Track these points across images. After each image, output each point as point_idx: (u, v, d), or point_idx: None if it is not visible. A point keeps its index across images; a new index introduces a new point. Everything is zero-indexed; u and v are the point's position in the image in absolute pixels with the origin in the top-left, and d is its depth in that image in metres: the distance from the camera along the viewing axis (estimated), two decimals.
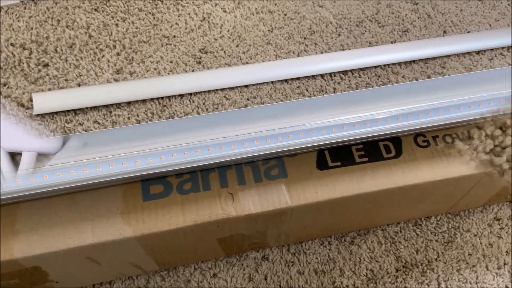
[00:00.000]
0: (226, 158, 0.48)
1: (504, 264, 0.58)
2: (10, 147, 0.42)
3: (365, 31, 0.71)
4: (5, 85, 0.64)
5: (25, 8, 0.69)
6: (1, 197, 0.44)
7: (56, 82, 0.65)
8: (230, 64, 0.71)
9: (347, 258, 0.58)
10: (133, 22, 0.69)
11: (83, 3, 0.71)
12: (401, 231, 0.60)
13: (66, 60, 0.67)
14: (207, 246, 0.52)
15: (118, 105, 0.64)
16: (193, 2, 0.74)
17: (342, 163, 0.50)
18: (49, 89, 0.65)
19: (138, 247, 0.47)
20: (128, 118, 0.63)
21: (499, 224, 0.61)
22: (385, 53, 0.72)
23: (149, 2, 0.73)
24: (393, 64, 0.72)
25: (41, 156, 0.46)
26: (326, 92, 0.69)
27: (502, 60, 0.69)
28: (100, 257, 0.48)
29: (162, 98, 0.66)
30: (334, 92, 0.69)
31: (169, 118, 0.64)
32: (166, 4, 0.73)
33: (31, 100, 0.63)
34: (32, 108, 0.62)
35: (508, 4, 0.76)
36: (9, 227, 0.44)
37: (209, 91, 0.68)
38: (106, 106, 0.64)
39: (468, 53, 0.74)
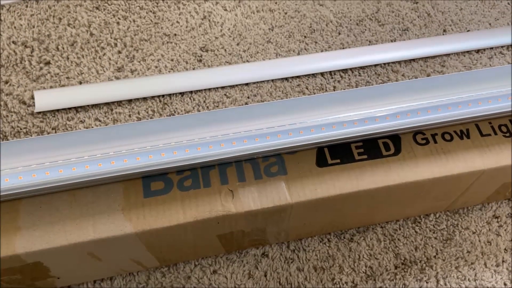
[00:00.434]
0: (226, 155, 0.48)
1: (503, 261, 0.58)
2: None
3: (365, 29, 0.72)
4: (7, 82, 0.64)
5: (26, 6, 0.69)
6: (4, 193, 0.44)
7: (58, 80, 0.65)
8: (231, 62, 0.71)
9: (346, 255, 0.58)
10: (134, 21, 0.70)
11: (85, 1, 0.72)
12: (400, 229, 0.60)
13: (68, 58, 0.67)
14: (207, 242, 0.53)
15: (119, 103, 0.65)
16: (194, 1, 0.74)
17: (342, 161, 0.50)
18: (51, 87, 0.65)
19: (139, 243, 0.48)
20: (129, 115, 0.64)
21: (497, 222, 0.61)
22: (385, 52, 0.72)
23: (150, 1, 0.73)
24: (393, 62, 0.73)
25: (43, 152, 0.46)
26: (326, 90, 0.69)
27: (501, 58, 0.69)
28: (101, 253, 0.48)
29: (163, 96, 0.66)
30: (334, 90, 0.70)
31: (170, 116, 0.64)
32: (167, 2, 0.73)
33: (32, 97, 0.64)
34: (34, 105, 0.62)
35: (508, 3, 0.76)
36: (11, 223, 0.45)
37: (209, 89, 0.68)
38: (107, 103, 0.64)
39: (467, 51, 0.74)
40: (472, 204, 0.62)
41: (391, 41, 0.74)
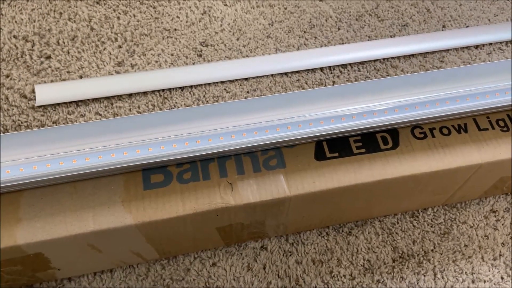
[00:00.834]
0: (225, 148, 0.49)
1: (500, 255, 0.59)
2: None
3: (365, 25, 0.72)
4: (8, 76, 0.65)
5: (27, 0, 0.69)
6: (5, 185, 0.44)
7: (58, 74, 0.66)
8: (231, 57, 0.71)
9: (344, 248, 0.58)
10: (134, 15, 0.70)
11: None
12: (398, 223, 0.60)
13: (68, 53, 0.67)
14: (206, 235, 0.53)
15: (120, 97, 0.65)
16: None
17: (340, 154, 0.51)
18: (52, 81, 0.65)
19: (139, 235, 0.48)
20: (130, 110, 0.64)
21: (495, 216, 0.61)
22: (384, 47, 0.72)
23: None
24: (392, 58, 0.73)
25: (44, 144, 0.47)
26: (325, 86, 0.70)
27: (500, 54, 0.70)
28: (101, 245, 0.49)
29: (163, 90, 0.67)
30: (333, 85, 0.70)
31: (170, 109, 0.65)
32: None
33: (33, 91, 0.64)
34: (35, 99, 0.63)
35: None
36: (12, 214, 0.45)
37: (209, 84, 0.68)
38: (107, 98, 0.65)
39: (466, 47, 0.75)
40: (469, 199, 0.63)
41: (391, 36, 0.74)
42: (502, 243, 0.60)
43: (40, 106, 0.63)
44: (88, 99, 0.64)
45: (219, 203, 0.47)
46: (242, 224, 0.53)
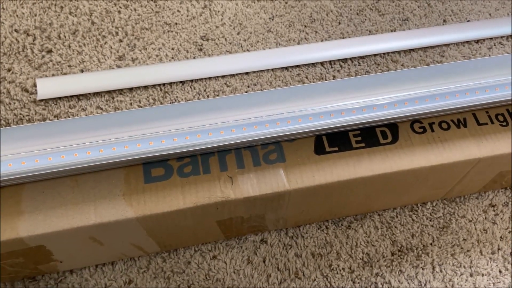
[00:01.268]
0: (225, 142, 0.49)
1: (498, 249, 0.59)
2: None
3: (365, 19, 0.72)
4: (9, 70, 0.65)
5: None
6: (7, 178, 0.45)
7: (60, 68, 0.66)
8: (231, 51, 0.71)
9: (344, 242, 0.59)
10: (135, 9, 0.70)
11: None
12: (397, 216, 0.61)
13: (69, 47, 0.68)
14: (207, 228, 0.54)
15: (121, 91, 0.65)
16: None
17: (339, 148, 0.51)
18: (53, 75, 0.66)
19: (140, 228, 0.49)
20: (130, 104, 0.64)
21: (494, 210, 0.62)
22: (384, 42, 0.72)
23: None
24: (393, 52, 0.73)
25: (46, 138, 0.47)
26: (325, 80, 0.70)
27: (501, 49, 0.70)
28: (103, 237, 0.49)
29: (163, 84, 0.67)
30: (334, 79, 0.70)
31: (168, 104, 0.65)
32: None
33: (35, 85, 0.64)
34: (36, 93, 0.63)
35: None
36: (14, 207, 0.46)
37: (210, 78, 0.69)
38: (108, 92, 0.65)
39: (467, 42, 0.74)
40: (468, 193, 0.63)
41: (391, 31, 0.74)
42: (501, 237, 0.60)
43: (41, 100, 0.63)
44: (89, 93, 0.64)
45: (219, 196, 0.48)
46: (242, 218, 0.53)
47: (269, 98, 0.51)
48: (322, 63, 0.71)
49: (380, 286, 0.56)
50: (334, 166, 0.50)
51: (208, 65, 0.69)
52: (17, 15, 0.68)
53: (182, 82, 0.67)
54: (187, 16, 0.72)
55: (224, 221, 0.53)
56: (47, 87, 0.63)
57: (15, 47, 0.66)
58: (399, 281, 0.57)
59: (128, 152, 0.47)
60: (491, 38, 0.72)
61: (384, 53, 0.72)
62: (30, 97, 0.63)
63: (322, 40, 0.73)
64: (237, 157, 0.50)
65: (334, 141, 0.52)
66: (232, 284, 0.56)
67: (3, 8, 0.70)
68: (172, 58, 0.70)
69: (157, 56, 0.69)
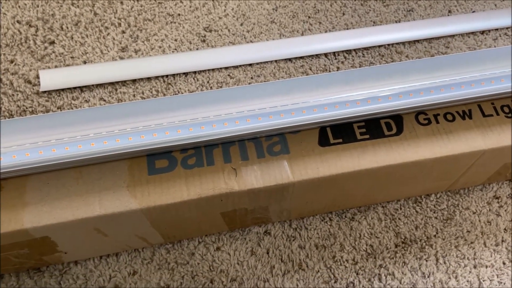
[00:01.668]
0: (229, 134, 0.49)
1: (502, 241, 0.59)
2: None
3: (370, 10, 0.71)
4: (12, 62, 0.65)
5: None
6: (11, 170, 0.45)
7: (62, 59, 0.66)
8: (234, 43, 0.71)
9: (347, 233, 0.59)
10: (137, 0, 0.70)
11: None
12: (401, 208, 0.61)
13: (72, 38, 0.67)
14: (211, 220, 0.54)
15: (124, 83, 0.65)
16: None
17: (344, 140, 0.51)
18: (55, 67, 0.65)
19: (144, 220, 0.49)
20: (133, 95, 0.64)
21: (498, 202, 0.61)
22: (389, 33, 0.72)
23: None
24: (397, 43, 0.72)
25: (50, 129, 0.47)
26: (329, 71, 0.69)
27: (506, 40, 0.69)
28: (107, 229, 0.49)
29: (166, 76, 0.67)
30: (338, 71, 0.70)
31: (171, 95, 0.65)
32: None
33: (38, 77, 0.64)
34: (39, 85, 0.63)
35: None
36: (19, 198, 0.46)
37: (213, 70, 0.68)
38: (111, 83, 0.65)
39: (472, 33, 0.74)
40: (473, 185, 0.63)
41: (396, 21, 0.74)
42: (505, 229, 0.60)
43: (44, 92, 0.63)
44: (92, 85, 0.64)
45: (223, 188, 0.48)
46: (246, 209, 0.53)
47: (273, 90, 0.51)
48: (326, 55, 0.71)
49: (384, 277, 0.56)
50: (339, 158, 0.50)
51: (211, 57, 0.69)
52: (19, 6, 0.68)
53: (185, 74, 0.67)
54: (190, 7, 0.71)
55: (228, 213, 0.53)
56: (50, 78, 0.63)
57: (17, 38, 0.66)
58: (402, 273, 0.57)
59: (132, 143, 0.47)
60: (496, 29, 0.71)
61: (388, 44, 0.72)
62: (33, 89, 0.63)
63: (326, 31, 0.73)
64: (241, 148, 0.50)
65: (338, 133, 0.51)
66: (236, 275, 0.56)
67: None
68: (175, 49, 0.69)
69: (160, 47, 0.69)
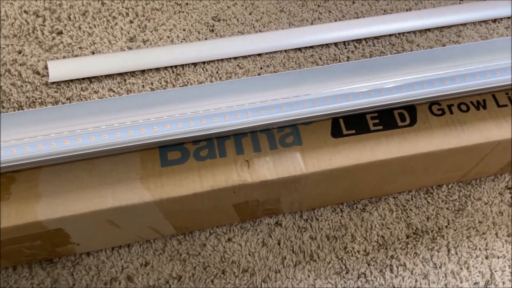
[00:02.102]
0: (242, 126, 0.48)
1: None
2: None
3: None
4: (20, 52, 0.64)
5: None
6: (24, 162, 0.45)
7: (71, 50, 0.65)
8: (243, 32, 0.70)
9: (358, 224, 0.59)
10: None
11: None
12: (412, 199, 0.60)
13: (80, 28, 0.67)
14: (222, 211, 0.54)
15: (133, 74, 0.65)
16: None
17: (357, 131, 0.50)
18: (64, 57, 0.65)
19: (157, 211, 0.49)
20: (143, 86, 0.64)
21: (510, 192, 0.61)
22: (400, 21, 0.71)
23: None
24: (408, 32, 0.71)
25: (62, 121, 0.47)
26: (339, 61, 0.69)
27: None
28: (120, 221, 0.49)
29: (175, 66, 0.66)
30: (348, 61, 0.69)
31: (186, 86, 0.64)
32: None
33: (46, 67, 0.64)
34: (48, 75, 0.63)
35: None
36: (32, 190, 0.46)
37: (222, 60, 0.68)
38: (120, 74, 0.64)
39: (484, 21, 0.73)
40: (485, 175, 0.62)
41: (407, 10, 0.73)
42: None
43: (53, 83, 0.62)
44: (101, 76, 0.64)
45: (236, 180, 0.48)
46: (258, 201, 0.53)
47: (285, 81, 0.51)
48: (336, 44, 0.70)
49: (395, 268, 0.56)
50: (351, 149, 0.50)
51: (220, 47, 0.68)
52: None
53: (194, 64, 0.66)
54: None
55: (240, 204, 0.53)
56: (59, 69, 0.63)
57: (25, 29, 0.65)
58: (414, 264, 0.57)
59: (144, 135, 0.47)
60: (508, 17, 0.70)
61: (399, 33, 0.71)
62: (41, 80, 0.63)
63: (336, 20, 0.72)
64: (253, 140, 0.50)
65: (351, 124, 0.51)
66: (248, 266, 0.56)
67: None
68: (184, 39, 0.69)
69: (168, 37, 0.68)
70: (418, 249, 0.58)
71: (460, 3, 0.72)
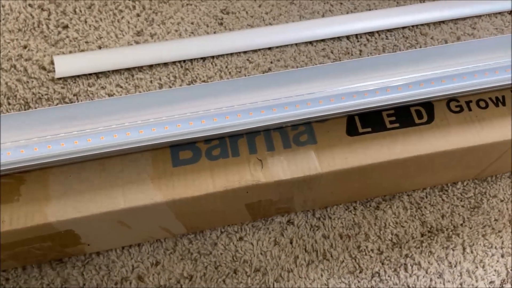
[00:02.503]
0: (255, 124, 0.47)
1: None
2: None
3: None
4: (25, 47, 0.63)
5: None
6: (33, 163, 0.44)
7: (77, 44, 0.64)
8: (253, 25, 0.68)
9: (372, 223, 0.58)
10: None
11: None
12: (427, 197, 0.59)
13: (86, 22, 0.65)
14: (234, 211, 0.53)
15: (140, 68, 0.63)
16: None
17: (373, 129, 0.49)
18: (70, 52, 0.63)
19: (169, 212, 0.48)
20: (151, 81, 0.62)
21: None
22: (413, 13, 0.69)
23: None
24: (422, 25, 0.70)
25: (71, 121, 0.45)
26: (352, 55, 0.67)
27: None
28: (131, 221, 0.48)
29: (184, 61, 0.65)
30: (360, 54, 0.67)
31: (192, 82, 0.63)
32: None
33: (52, 63, 0.62)
34: (54, 71, 0.61)
35: None
36: (42, 191, 0.45)
37: (231, 54, 0.66)
38: (128, 69, 0.63)
39: (500, 13, 0.71)
40: (501, 172, 0.61)
41: (420, 1, 0.71)
42: None
43: (60, 78, 0.61)
44: (108, 71, 0.62)
45: (250, 180, 0.46)
46: (271, 201, 0.52)
47: (299, 78, 0.49)
48: (348, 37, 0.68)
49: (410, 267, 0.56)
50: (368, 147, 0.48)
51: (229, 40, 0.66)
52: None
53: (203, 59, 0.65)
54: None
55: (252, 204, 0.52)
56: (65, 64, 0.61)
57: (30, 23, 0.64)
58: (429, 262, 0.56)
59: (155, 134, 0.46)
60: None
61: (412, 26, 0.69)
62: (48, 75, 0.61)
63: (347, 12, 0.70)
64: (266, 139, 0.49)
65: (367, 122, 0.50)
66: (260, 265, 0.56)
67: None
68: (192, 33, 0.67)
69: (176, 31, 0.67)
70: (433, 248, 0.57)
71: None
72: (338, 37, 0.68)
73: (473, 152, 0.50)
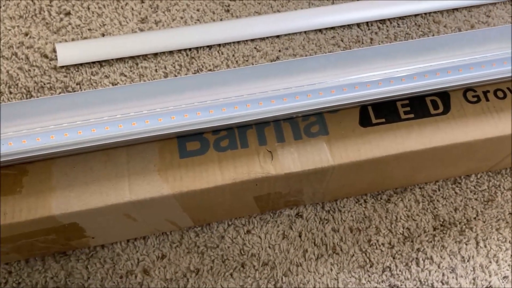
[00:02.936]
0: (264, 115, 0.45)
1: None
2: None
3: None
4: (26, 35, 0.61)
5: None
6: (36, 154, 0.42)
7: (79, 31, 0.62)
8: (260, 12, 0.66)
9: (383, 216, 0.56)
10: None
11: None
12: (439, 190, 0.58)
13: (89, 8, 0.63)
14: (243, 203, 0.51)
15: (145, 57, 0.61)
16: None
17: (386, 120, 0.47)
18: (72, 39, 0.62)
19: (176, 205, 0.46)
20: (156, 70, 0.61)
21: None
22: (426, 0, 0.67)
23: None
24: (435, 12, 0.67)
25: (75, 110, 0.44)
26: (362, 43, 0.65)
27: None
28: (137, 214, 0.47)
29: (189, 49, 0.63)
30: (371, 42, 0.65)
31: (198, 71, 0.61)
32: None
33: (54, 50, 0.60)
34: (56, 59, 0.59)
35: None
36: (45, 183, 0.43)
37: (238, 42, 0.64)
38: (132, 57, 0.61)
39: None
40: None
41: None
42: None
43: (62, 67, 0.59)
44: (112, 59, 0.61)
45: (259, 172, 0.45)
46: (281, 193, 0.50)
47: (311, 66, 0.47)
48: (358, 25, 0.66)
49: (422, 261, 0.54)
50: (381, 139, 0.47)
51: (236, 28, 0.64)
52: None
53: (209, 47, 0.63)
54: None
55: (261, 196, 0.50)
56: (68, 52, 0.60)
57: (31, 9, 0.62)
58: (441, 257, 0.55)
59: (162, 125, 0.44)
60: None
61: (425, 13, 0.67)
62: (50, 64, 0.60)
63: None
64: (276, 130, 0.47)
65: (380, 112, 0.48)
66: (268, 259, 0.54)
67: None
68: (198, 20, 0.65)
69: (181, 18, 0.65)
70: (446, 242, 0.55)
71: None
72: (349, 25, 0.66)
73: (490, 144, 0.49)
